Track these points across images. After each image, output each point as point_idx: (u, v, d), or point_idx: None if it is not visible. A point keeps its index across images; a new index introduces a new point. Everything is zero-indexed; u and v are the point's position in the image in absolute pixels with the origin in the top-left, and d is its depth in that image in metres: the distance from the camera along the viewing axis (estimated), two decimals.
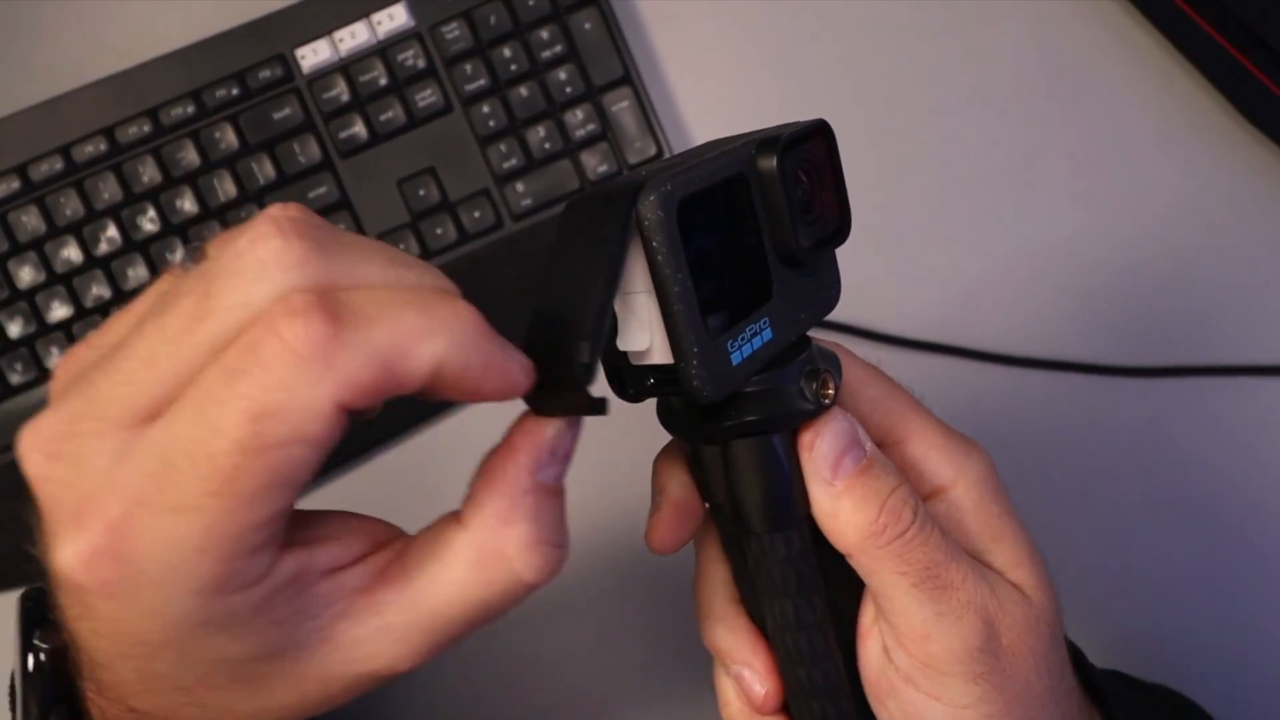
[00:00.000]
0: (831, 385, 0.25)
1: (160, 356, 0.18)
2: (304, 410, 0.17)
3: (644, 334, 0.23)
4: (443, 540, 0.21)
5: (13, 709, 0.26)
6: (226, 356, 0.17)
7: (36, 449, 0.19)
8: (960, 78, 0.51)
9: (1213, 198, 0.50)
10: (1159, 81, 0.51)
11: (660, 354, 0.23)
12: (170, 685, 0.20)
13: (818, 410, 0.25)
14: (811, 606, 0.26)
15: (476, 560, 0.20)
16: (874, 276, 0.50)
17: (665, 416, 0.26)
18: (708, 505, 0.27)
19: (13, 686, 0.26)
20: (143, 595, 0.18)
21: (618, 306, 0.23)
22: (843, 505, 0.25)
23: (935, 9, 0.51)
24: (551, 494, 0.21)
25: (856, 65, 0.51)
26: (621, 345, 0.23)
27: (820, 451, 0.25)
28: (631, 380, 0.24)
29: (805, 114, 0.51)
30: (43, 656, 0.25)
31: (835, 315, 0.49)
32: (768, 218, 0.24)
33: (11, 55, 0.50)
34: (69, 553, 0.18)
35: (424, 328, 0.18)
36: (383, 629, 0.21)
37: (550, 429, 0.21)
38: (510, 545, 0.20)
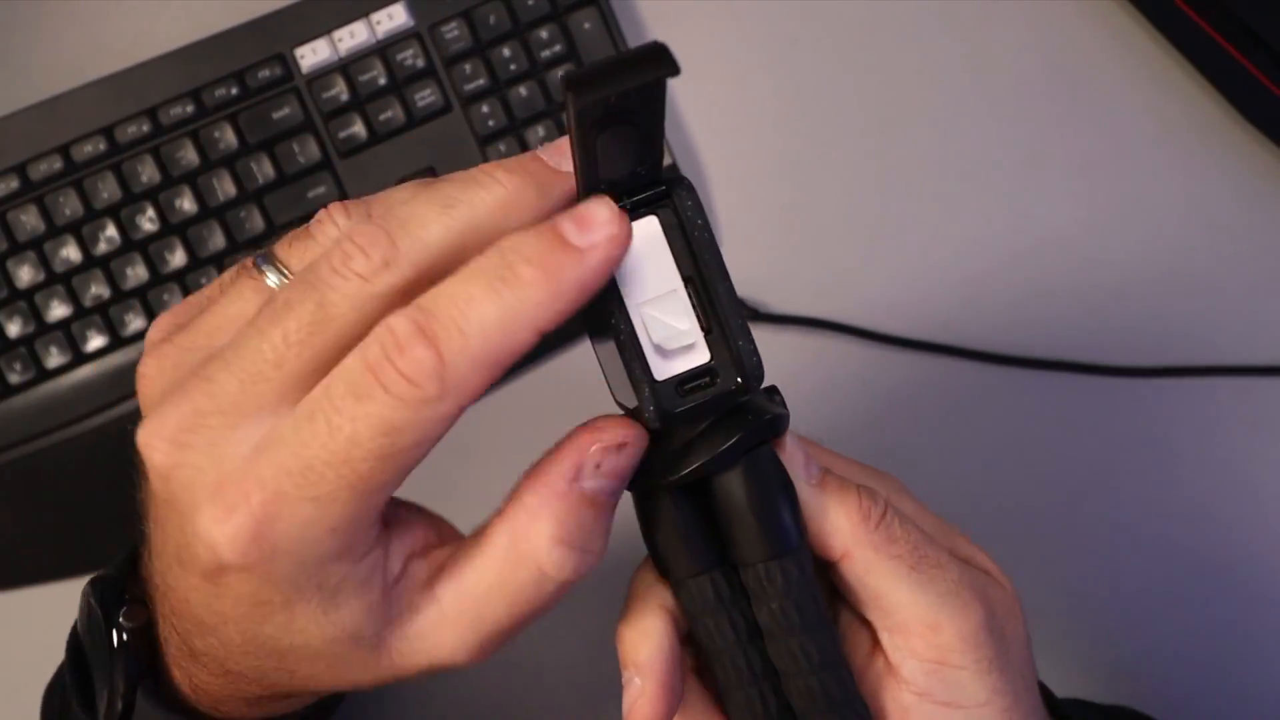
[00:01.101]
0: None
1: (288, 359, 0.21)
2: (429, 422, 0.20)
3: (689, 328, 0.23)
4: (486, 531, 0.23)
5: (61, 698, 0.28)
6: (352, 375, 0.20)
7: (162, 439, 0.21)
8: (960, 78, 0.51)
9: (1213, 198, 0.50)
10: (1159, 81, 0.51)
11: (701, 351, 0.23)
12: (270, 649, 0.23)
13: (788, 417, 0.25)
14: (833, 636, 0.25)
15: (509, 547, 0.22)
16: (874, 276, 0.50)
17: (660, 468, 0.24)
18: (679, 586, 0.25)
19: (65, 672, 0.29)
20: (276, 567, 0.21)
21: (645, 322, 0.22)
22: (829, 501, 0.25)
23: (935, 9, 0.51)
24: (587, 502, 0.22)
25: (856, 65, 0.51)
26: (668, 345, 0.23)
27: (794, 454, 0.26)
28: (666, 400, 0.23)
29: (805, 114, 0.51)
30: (125, 636, 0.28)
31: (835, 315, 0.49)
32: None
33: (11, 55, 0.50)
34: (217, 534, 0.20)
35: (510, 320, 0.20)
36: (440, 621, 0.23)
37: (596, 445, 0.22)
38: (536, 537, 0.22)
